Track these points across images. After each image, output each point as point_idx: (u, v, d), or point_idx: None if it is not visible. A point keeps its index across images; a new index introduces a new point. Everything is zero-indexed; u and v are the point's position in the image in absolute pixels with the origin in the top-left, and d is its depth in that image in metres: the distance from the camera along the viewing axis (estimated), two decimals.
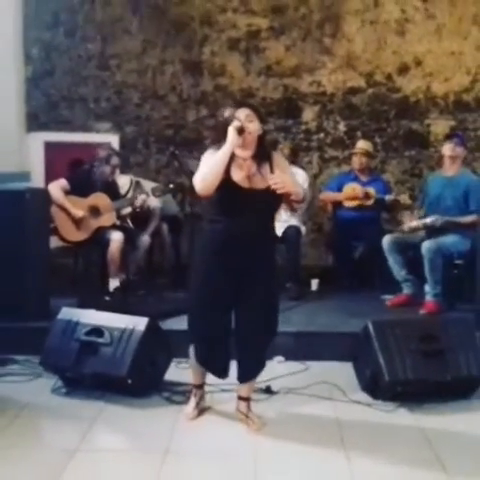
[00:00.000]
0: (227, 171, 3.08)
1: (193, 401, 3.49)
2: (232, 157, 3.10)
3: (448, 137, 5.07)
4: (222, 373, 3.36)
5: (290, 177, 3.15)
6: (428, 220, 4.87)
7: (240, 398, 3.40)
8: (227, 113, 3.12)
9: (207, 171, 3.06)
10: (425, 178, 5.66)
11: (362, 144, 5.89)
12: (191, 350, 3.39)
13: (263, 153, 3.18)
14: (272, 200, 3.15)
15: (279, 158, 3.27)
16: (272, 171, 3.14)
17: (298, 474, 2.91)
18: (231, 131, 3.03)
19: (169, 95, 6.54)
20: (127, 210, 5.36)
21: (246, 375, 3.35)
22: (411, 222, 5.01)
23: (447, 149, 4.97)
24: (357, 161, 5.74)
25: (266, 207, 3.16)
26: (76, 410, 3.55)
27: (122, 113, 6.55)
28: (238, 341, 3.28)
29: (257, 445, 3.16)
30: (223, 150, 3.05)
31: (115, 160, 5.28)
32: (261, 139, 3.17)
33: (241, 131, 3.05)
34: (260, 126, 3.15)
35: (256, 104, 3.39)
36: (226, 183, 3.07)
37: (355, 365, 3.89)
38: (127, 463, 3.03)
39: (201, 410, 3.48)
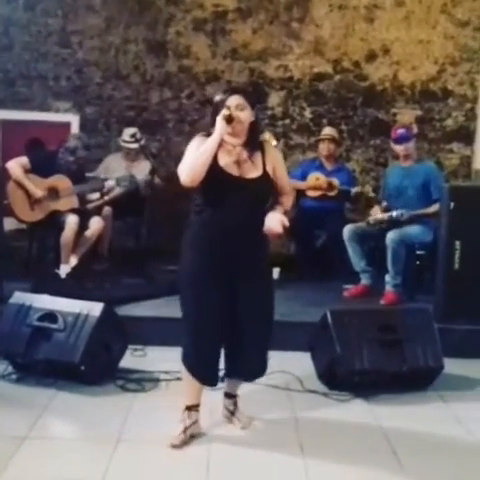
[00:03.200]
0: (214, 157, 2.94)
1: (182, 424, 3.09)
2: (221, 143, 2.96)
3: (396, 141, 5.02)
4: (213, 382, 3.13)
5: (278, 216, 2.99)
6: (394, 214, 4.86)
7: (227, 395, 3.28)
8: (218, 99, 3.00)
9: (194, 161, 2.91)
10: (385, 170, 5.64)
11: (329, 130, 5.86)
12: (183, 359, 3.12)
13: (254, 141, 3.05)
14: (264, 189, 3.02)
15: (271, 147, 3.14)
16: (264, 161, 3.02)
17: (251, 463, 2.90)
18: (219, 121, 2.91)
19: (132, 75, 6.40)
20: (95, 196, 5.29)
21: (251, 374, 3.21)
22: (377, 215, 4.99)
23: (398, 151, 5.01)
24: (325, 148, 5.70)
25: (257, 197, 3.00)
26: (27, 397, 3.49)
27: (83, 92, 6.39)
28: (239, 340, 3.07)
29: (210, 434, 3.13)
30: (211, 140, 2.92)
31: (81, 153, 5.19)
32: (253, 126, 3.03)
33: (230, 120, 2.93)
34: (252, 113, 3.01)
35: (249, 89, 3.20)
36: (213, 170, 2.92)
37: (313, 355, 3.87)
38: (77, 452, 2.99)
39: (189, 437, 3.08)
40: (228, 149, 3.00)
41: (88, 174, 5.36)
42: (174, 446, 3.00)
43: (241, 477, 2.79)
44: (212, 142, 2.91)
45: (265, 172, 3.02)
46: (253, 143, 3.03)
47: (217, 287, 2.99)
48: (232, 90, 3.06)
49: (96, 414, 3.33)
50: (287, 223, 2.97)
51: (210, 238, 2.99)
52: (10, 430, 3.10)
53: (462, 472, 2.88)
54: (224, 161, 2.97)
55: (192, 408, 3.13)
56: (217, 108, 2.97)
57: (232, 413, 3.26)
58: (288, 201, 3.15)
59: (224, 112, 2.91)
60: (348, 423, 3.32)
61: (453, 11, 6.32)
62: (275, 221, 2.95)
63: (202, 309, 3.00)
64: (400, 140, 4.98)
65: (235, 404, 3.28)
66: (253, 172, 3.00)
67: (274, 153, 3.12)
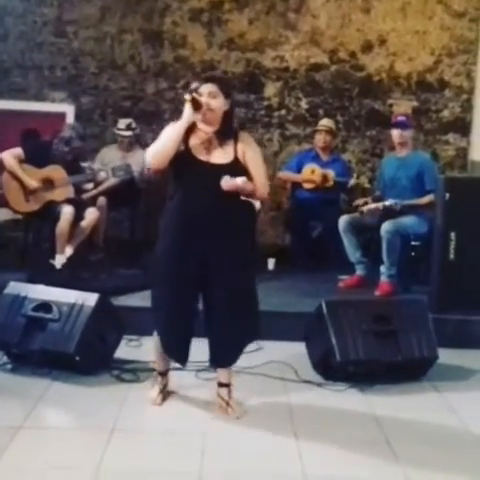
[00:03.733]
0: (186, 143, 3.00)
1: (157, 386, 3.37)
2: (193, 129, 3.01)
3: (393, 125, 5.06)
4: (184, 360, 3.26)
5: (247, 183, 3.00)
6: (387, 202, 4.86)
7: (220, 384, 3.29)
8: (192, 87, 3.01)
9: (160, 145, 2.98)
10: (381, 161, 5.64)
11: (326, 122, 5.85)
12: (155, 336, 3.27)
13: (228, 130, 3.06)
14: (236, 175, 3.01)
15: (246, 137, 3.13)
16: (236, 149, 3.04)
17: (246, 453, 2.90)
18: (187, 106, 2.94)
19: (128, 65, 6.36)
20: (90, 186, 5.28)
21: (218, 360, 3.25)
22: (370, 204, 4.99)
23: (395, 137, 5.01)
24: (321, 139, 5.70)
25: None
26: (22, 387, 3.49)
27: (78, 82, 6.35)
28: (209, 326, 3.14)
29: (205, 424, 3.14)
30: (177, 124, 2.96)
31: (76, 143, 5.16)
32: (227, 115, 3.05)
33: (197, 106, 2.94)
34: (226, 102, 3.03)
35: (224, 78, 3.25)
36: (182, 155, 2.98)
37: (308, 345, 3.88)
38: (72, 441, 2.99)
39: (166, 395, 3.37)
40: (200, 136, 3.04)
41: (84, 164, 5.34)
42: (157, 404, 3.30)
43: (236, 465, 2.79)
44: (178, 127, 2.96)
45: (235, 159, 3.04)
46: (226, 131, 3.05)
47: (188, 272, 3.04)
48: (206, 78, 3.07)
49: (91, 404, 3.33)
50: (239, 184, 2.95)
51: (180, 224, 3.05)
52: (5, 420, 3.09)
53: (456, 461, 2.89)
54: (194, 147, 3.02)
55: (163, 373, 3.37)
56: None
57: (226, 402, 3.27)
58: (258, 191, 3.10)
59: (186, 95, 2.94)
60: (343, 413, 3.33)
61: (449, 2, 6.29)
62: (229, 180, 2.95)
63: (171, 292, 3.07)
64: (398, 125, 5.00)
65: (229, 393, 3.28)
66: (222, 158, 3.03)
67: (247, 142, 3.11)
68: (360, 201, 5.06)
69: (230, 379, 3.30)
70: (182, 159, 3.00)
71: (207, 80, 3.04)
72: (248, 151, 3.07)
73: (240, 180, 2.98)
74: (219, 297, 3.09)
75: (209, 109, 2.98)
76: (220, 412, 3.25)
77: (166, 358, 3.32)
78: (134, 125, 5.70)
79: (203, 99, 2.96)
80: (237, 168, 3.04)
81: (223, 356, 3.23)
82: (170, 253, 3.08)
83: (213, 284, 3.08)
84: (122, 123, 5.71)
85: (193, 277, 3.07)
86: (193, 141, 3.04)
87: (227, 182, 2.96)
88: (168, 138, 2.97)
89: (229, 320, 3.10)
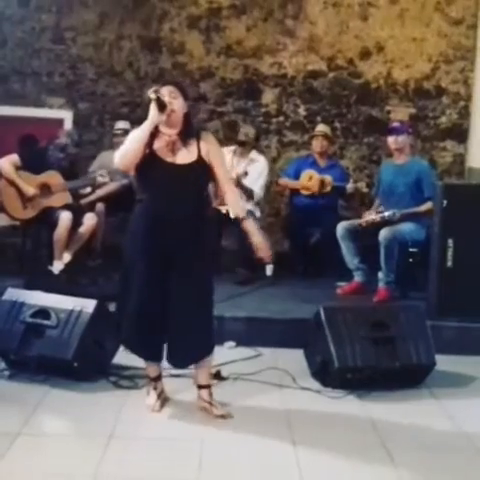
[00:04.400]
0: (150, 146, 3.09)
1: (154, 393, 3.38)
2: (156, 134, 3.11)
3: (388, 132, 5.08)
4: (154, 357, 3.30)
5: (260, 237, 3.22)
6: (386, 214, 4.87)
7: (200, 386, 3.32)
8: (151, 90, 3.10)
9: (127, 146, 3.08)
10: (379, 168, 5.66)
11: (322, 127, 5.86)
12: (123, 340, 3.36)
13: (189, 131, 3.17)
14: (199, 175, 3.13)
15: (208, 137, 3.22)
16: (199, 148, 3.12)
17: (244, 460, 2.90)
18: (152, 107, 3.04)
19: (126, 72, 6.38)
20: (87, 190, 5.29)
21: (177, 361, 3.27)
22: (369, 216, 4.99)
23: (390, 143, 5.02)
24: (318, 144, 5.71)
25: (191, 182, 3.11)
26: (20, 394, 3.49)
27: (76, 89, 6.37)
28: (169, 325, 3.19)
29: (203, 431, 3.13)
30: (143, 126, 3.07)
31: (71, 150, 5.20)
32: (187, 117, 3.17)
33: (162, 107, 3.04)
34: (185, 104, 3.15)
35: (182, 81, 3.45)
36: (147, 157, 3.08)
37: (306, 351, 3.88)
38: (70, 448, 2.98)
39: (163, 401, 3.38)
40: (164, 139, 3.13)
41: (89, 169, 5.36)
42: (156, 411, 3.29)
43: (234, 472, 2.79)
44: (144, 127, 3.06)
45: (199, 158, 3.13)
46: (188, 132, 3.15)
47: (153, 271, 3.11)
48: (164, 82, 3.23)
49: (89, 410, 3.32)
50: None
51: (145, 225, 3.12)
52: (3, 426, 3.09)
53: (453, 468, 2.89)
54: (159, 150, 3.11)
55: (156, 379, 3.38)
56: (150, 100, 3.08)
57: (209, 403, 3.29)
58: (237, 201, 3.27)
59: (151, 93, 3.03)
60: (341, 420, 3.33)
61: (447, 9, 6.33)
62: (264, 244, 3.23)
63: (136, 292, 3.13)
64: (392, 131, 5.02)
65: (210, 394, 3.31)
66: (187, 158, 3.11)
67: (210, 140, 3.20)
68: (363, 220, 5.00)
69: (209, 380, 3.34)
70: (148, 162, 3.09)
71: (165, 83, 3.17)
72: (212, 149, 3.17)
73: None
74: (180, 298, 3.13)
75: (172, 110, 3.07)
76: (205, 413, 3.27)
77: (155, 363, 3.34)
78: (128, 127, 5.70)
79: (166, 99, 3.06)
80: (201, 166, 3.14)
81: (182, 355, 3.25)
82: (139, 254, 3.14)
83: (176, 284, 3.13)
84: (118, 126, 5.73)
85: (161, 275, 3.12)
86: (157, 144, 3.13)
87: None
88: (135, 139, 3.07)
89: (189, 318, 3.14)
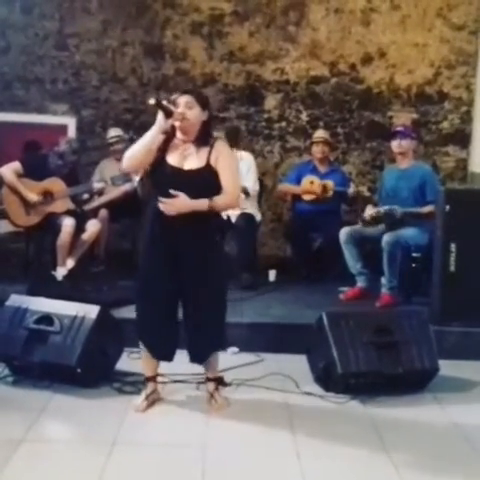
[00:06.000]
0: (163, 152, 3.16)
1: (143, 393, 3.44)
2: (171, 139, 3.17)
3: (391, 136, 5.09)
4: (167, 357, 3.38)
5: (185, 202, 3.12)
6: (387, 207, 4.86)
7: (207, 379, 3.45)
8: (171, 99, 3.16)
9: (135, 149, 3.14)
10: (381, 173, 5.66)
11: (321, 133, 5.86)
12: (139, 336, 3.40)
13: (205, 139, 3.19)
14: (204, 181, 3.16)
15: (222, 146, 3.24)
16: (209, 155, 3.16)
17: (247, 466, 2.89)
18: (159, 114, 3.08)
19: (129, 78, 6.40)
20: (86, 196, 5.31)
21: (196, 356, 3.35)
22: (370, 211, 4.99)
23: (394, 147, 5.03)
24: (319, 150, 5.70)
25: (197, 188, 3.14)
26: (23, 400, 3.48)
27: (80, 95, 6.39)
28: (186, 327, 3.31)
29: (206, 437, 3.13)
30: (150, 131, 3.12)
31: (70, 157, 5.23)
32: (205, 126, 3.20)
33: (168, 113, 3.07)
34: (203, 113, 3.17)
35: (201, 91, 3.48)
36: (158, 162, 3.14)
37: (309, 357, 3.87)
38: (73, 454, 2.97)
39: (152, 402, 3.43)
40: (176, 144, 3.18)
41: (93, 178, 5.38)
42: (139, 411, 3.33)
43: (237, 478, 2.78)
44: (151, 132, 3.11)
45: (208, 164, 3.16)
46: (203, 140, 3.18)
47: (165, 274, 3.19)
48: (184, 91, 3.23)
49: (92, 417, 3.32)
50: (175, 209, 3.08)
51: (155, 228, 3.21)
52: (6, 433, 3.09)
53: (457, 473, 2.88)
54: (170, 155, 3.17)
55: (150, 379, 3.42)
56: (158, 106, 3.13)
57: (211, 394, 3.39)
58: (220, 199, 3.20)
59: (151, 101, 3.06)
60: (344, 425, 3.32)
61: (449, 15, 6.34)
62: (182, 202, 3.09)
63: (150, 293, 3.24)
64: (396, 134, 5.03)
65: (216, 387, 3.41)
66: (195, 164, 3.16)
67: (222, 149, 3.22)
68: (365, 214, 5.01)
69: (215, 374, 3.43)
70: (158, 167, 3.16)
71: (184, 92, 3.19)
72: (221, 158, 3.19)
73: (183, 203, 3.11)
74: (190, 297, 3.25)
75: (184, 118, 3.10)
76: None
77: (154, 362, 3.42)
78: (125, 135, 5.71)
79: (172, 107, 3.08)
80: (209, 173, 3.17)
81: (197, 351, 3.34)
82: (149, 257, 3.25)
83: (189, 285, 3.23)
84: (111, 134, 5.75)
85: (173, 277, 3.20)
86: (171, 150, 3.18)
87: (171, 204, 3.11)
88: (142, 144, 3.13)
89: (202, 317, 3.25)
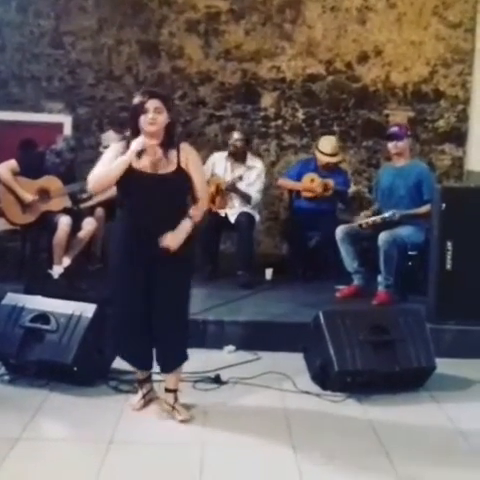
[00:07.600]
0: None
1: (140, 393, 3.44)
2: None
3: (387, 138, 5.08)
4: (143, 365, 3.38)
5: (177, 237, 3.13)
6: (386, 214, 4.86)
7: (167, 390, 3.35)
8: (137, 101, 3.13)
9: (102, 175, 3.13)
10: (377, 172, 5.65)
11: (331, 149, 5.58)
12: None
13: (170, 141, 3.20)
14: (178, 184, 3.17)
15: (187, 147, 3.26)
16: (179, 158, 3.16)
17: (244, 464, 2.90)
18: (131, 149, 3.08)
19: (125, 76, 6.39)
20: (84, 195, 5.28)
21: (164, 366, 3.31)
22: (369, 218, 4.98)
23: (391, 149, 5.03)
24: (324, 160, 5.54)
25: (171, 191, 3.15)
26: (19, 398, 3.48)
27: (76, 93, 6.38)
28: (155, 332, 3.26)
29: (204, 435, 3.13)
30: (120, 162, 3.10)
31: (67, 155, 5.20)
32: (169, 128, 3.19)
33: (140, 154, 3.11)
34: (168, 115, 3.17)
35: (166, 94, 3.47)
36: (128, 169, 3.10)
37: (306, 355, 3.88)
38: (70, 452, 2.98)
39: (148, 401, 3.43)
40: (145, 150, 3.15)
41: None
42: (136, 410, 3.35)
43: (234, 476, 2.79)
44: (120, 164, 3.09)
45: (179, 167, 3.18)
46: (169, 143, 3.18)
47: (135, 278, 3.18)
48: (151, 94, 3.16)
49: (89, 415, 3.32)
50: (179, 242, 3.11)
51: (127, 231, 3.18)
52: (3, 431, 3.09)
53: (453, 471, 2.89)
54: (138, 161, 3.13)
55: (143, 381, 3.42)
56: (136, 111, 3.12)
57: (172, 407, 3.31)
58: (198, 210, 3.25)
59: (136, 147, 3.07)
60: (341, 423, 3.33)
61: (445, 13, 6.35)
62: (174, 240, 3.11)
63: (122, 300, 3.25)
64: (391, 137, 5.02)
65: (175, 398, 3.33)
66: (167, 168, 3.16)
67: (189, 151, 3.24)
68: (363, 221, 4.99)
69: (177, 385, 3.36)
70: (126, 176, 3.11)
71: (152, 96, 3.13)
72: (190, 160, 3.22)
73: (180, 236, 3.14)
74: (160, 302, 3.20)
75: (156, 123, 3.09)
76: (167, 416, 3.30)
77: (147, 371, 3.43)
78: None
79: (150, 116, 3.06)
80: (181, 176, 3.18)
81: (169, 358, 3.30)
82: (122, 264, 3.22)
83: (157, 293, 3.19)
84: (104, 142, 5.71)
85: (144, 285, 3.18)
86: (138, 156, 3.15)
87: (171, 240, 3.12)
88: (111, 171, 3.10)
89: (168, 324, 3.22)
